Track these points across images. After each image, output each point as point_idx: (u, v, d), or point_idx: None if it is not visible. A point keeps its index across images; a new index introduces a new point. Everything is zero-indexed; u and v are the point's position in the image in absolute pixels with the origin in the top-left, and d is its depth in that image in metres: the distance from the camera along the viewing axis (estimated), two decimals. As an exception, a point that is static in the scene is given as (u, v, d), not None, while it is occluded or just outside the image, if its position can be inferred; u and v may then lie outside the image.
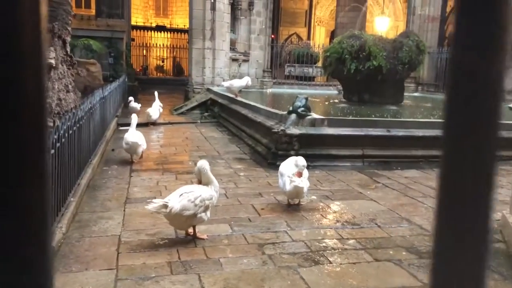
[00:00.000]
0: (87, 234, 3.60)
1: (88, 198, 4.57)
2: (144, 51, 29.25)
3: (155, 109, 10.38)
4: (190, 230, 3.57)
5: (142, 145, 6.35)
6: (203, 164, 3.60)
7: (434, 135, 6.78)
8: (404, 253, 3.42)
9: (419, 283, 2.91)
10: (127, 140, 6.18)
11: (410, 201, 4.85)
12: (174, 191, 3.54)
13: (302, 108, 6.41)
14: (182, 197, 3.41)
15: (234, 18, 15.26)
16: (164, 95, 11.97)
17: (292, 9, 28.08)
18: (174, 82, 23.12)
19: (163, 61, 30.25)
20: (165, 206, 3.33)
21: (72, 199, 4.13)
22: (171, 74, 29.36)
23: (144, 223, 3.85)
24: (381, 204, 4.69)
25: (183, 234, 3.60)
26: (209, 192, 3.53)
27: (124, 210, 4.24)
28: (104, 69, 15.77)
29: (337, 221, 4.13)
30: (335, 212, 4.41)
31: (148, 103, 11.27)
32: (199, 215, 3.44)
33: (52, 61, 5.75)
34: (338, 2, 23.96)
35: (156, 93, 11.06)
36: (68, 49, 6.31)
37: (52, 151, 3.27)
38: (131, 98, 11.41)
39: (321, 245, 3.53)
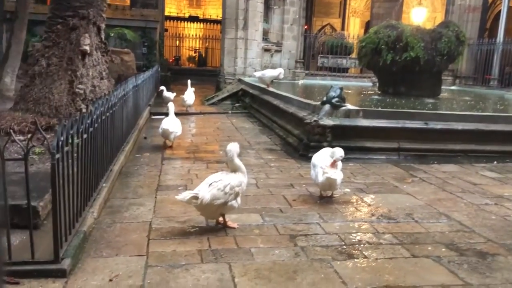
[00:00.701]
0: (118, 220, 3.59)
1: (120, 185, 4.58)
2: (177, 41, 29.44)
3: (190, 95, 10.57)
4: (221, 218, 3.51)
5: (176, 131, 6.55)
6: (231, 148, 3.50)
7: (474, 129, 6.52)
8: (443, 249, 3.26)
9: (460, 282, 2.75)
10: (162, 126, 6.47)
11: (449, 196, 4.64)
12: (203, 181, 3.49)
13: (337, 99, 6.25)
14: (212, 186, 3.35)
15: (267, 8, 15.11)
16: (196, 85, 11.97)
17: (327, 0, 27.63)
18: (206, 73, 23.18)
19: (195, 52, 30.36)
20: (195, 197, 3.29)
21: (104, 184, 4.14)
22: (203, 65, 29.45)
23: (175, 211, 3.82)
24: (418, 198, 4.51)
25: (214, 223, 3.55)
26: (237, 179, 3.45)
27: (155, 197, 4.23)
28: (137, 58, 15.94)
29: (372, 214, 3.99)
30: (369, 205, 4.26)
31: (181, 93, 11.34)
32: (229, 203, 3.39)
33: (87, 48, 5.79)
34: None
35: (189, 81, 11.19)
36: (103, 36, 6.34)
37: (85, 135, 3.26)
38: (162, 87, 11.46)
39: (356, 238, 3.40)
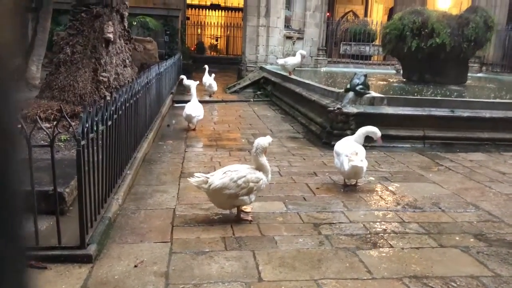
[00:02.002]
0: (143, 207, 3.62)
1: (144, 172, 4.61)
2: (199, 29, 29.44)
3: (212, 81, 10.66)
4: (235, 210, 3.43)
5: (199, 115, 6.99)
6: (258, 142, 3.38)
7: (503, 117, 6.34)
8: (471, 239, 3.18)
9: (490, 273, 2.68)
10: (185, 111, 6.92)
11: (476, 185, 4.53)
12: (220, 169, 3.46)
13: (361, 86, 6.14)
14: (225, 174, 3.28)
15: (289, -5, 14.92)
16: (218, 74, 11.96)
17: (349, -14, 27.16)
18: (228, 61, 23.17)
19: (217, 40, 30.35)
20: (205, 181, 3.25)
21: (128, 171, 4.17)
22: (225, 53, 29.44)
23: (199, 198, 3.82)
24: (445, 187, 4.42)
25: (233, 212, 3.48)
26: (255, 175, 3.31)
27: (178, 184, 4.24)
28: (159, 47, 15.97)
29: (398, 203, 3.93)
30: (394, 194, 4.19)
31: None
32: (241, 197, 3.26)
33: (111, 36, 5.81)
34: (398, -23, 22.88)
35: (206, 66, 11.34)
36: (126, 24, 6.36)
37: (110, 122, 3.28)
38: (183, 76, 11.50)
39: (381, 227, 3.35)
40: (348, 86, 6.27)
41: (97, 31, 5.79)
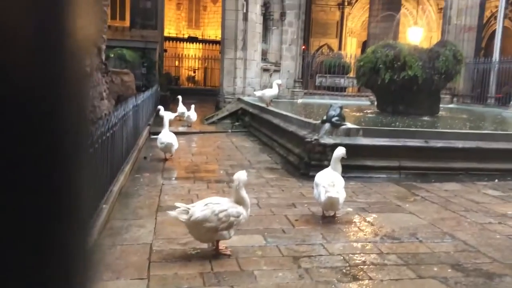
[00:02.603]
0: (119, 242, 3.54)
1: (120, 205, 4.53)
2: (176, 61, 29.66)
3: (191, 112, 10.74)
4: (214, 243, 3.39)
5: (175, 145, 6.96)
6: (238, 177, 3.38)
7: (475, 147, 6.51)
8: (449, 270, 3.20)
9: (469, 304, 2.70)
10: (161, 140, 6.89)
11: (452, 215, 4.60)
12: (200, 200, 3.43)
13: (337, 118, 6.24)
14: (207, 207, 3.25)
15: (265, 28, 15.25)
16: (195, 105, 12.02)
17: (324, 20, 27.95)
18: (205, 92, 23.30)
19: (194, 72, 30.59)
20: (186, 212, 3.21)
21: (104, 205, 4.08)
22: (203, 85, 29.65)
23: (176, 232, 3.76)
24: (421, 218, 4.47)
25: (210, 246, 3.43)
26: (237, 209, 3.28)
27: (155, 218, 4.18)
28: (137, 78, 15.95)
29: (376, 234, 3.94)
30: (372, 225, 4.21)
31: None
32: (220, 232, 3.21)
33: (87, 69, 5.78)
34: (370, 12, 23.70)
35: (179, 97, 11.56)
36: (103, 57, 6.35)
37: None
38: (160, 107, 11.52)
39: (360, 259, 3.35)
40: (325, 117, 6.36)
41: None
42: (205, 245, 3.47)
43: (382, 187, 5.67)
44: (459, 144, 6.50)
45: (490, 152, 6.52)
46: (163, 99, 16.45)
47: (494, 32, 17.33)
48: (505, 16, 18.21)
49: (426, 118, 9.95)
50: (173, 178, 6.03)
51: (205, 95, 21.51)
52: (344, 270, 3.13)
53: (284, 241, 3.67)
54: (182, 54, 29.60)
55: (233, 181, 3.40)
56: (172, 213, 3.22)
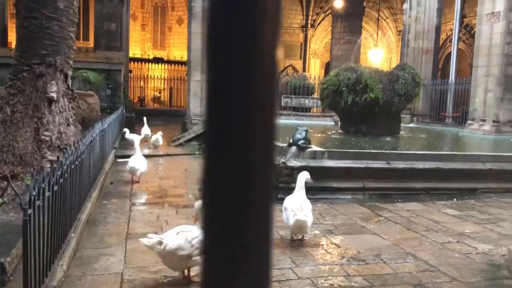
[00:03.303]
0: (89, 272, 3.52)
1: (89, 234, 4.49)
2: (141, 82, 29.53)
3: (158, 136, 10.84)
4: (186, 271, 3.43)
5: (142, 168, 7.20)
6: (197, 204, 3.50)
7: (434, 167, 6.81)
8: (412, 290, 3.36)
9: (430, 323, 2.84)
10: (129, 164, 7.22)
11: (414, 235, 4.80)
12: (172, 228, 3.48)
13: (302, 141, 6.42)
14: (179, 235, 3.31)
15: (231, 51, 15.45)
16: (162, 126, 12.03)
17: (288, 42, 28.55)
18: (171, 113, 23.25)
19: (160, 93, 30.52)
20: (160, 242, 3.26)
21: (73, 235, 4.06)
22: (168, 105, 29.59)
23: (146, 260, 3.78)
24: (385, 238, 4.64)
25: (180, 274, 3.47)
26: None
27: (125, 246, 4.17)
28: (101, 100, 15.81)
29: (342, 257, 4.08)
30: (339, 247, 4.35)
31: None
32: (194, 258, 3.27)
33: (54, 95, 5.76)
34: (332, 35, 24.45)
35: (145, 118, 11.57)
36: (70, 83, 6.34)
37: (56, 187, 3.23)
38: (125, 129, 11.48)
39: (328, 282, 3.46)
40: (291, 141, 6.53)
41: (40, 90, 5.73)
42: (176, 273, 3.50)
43: (347, 208, 5.84)
44: (419, 165, 6.79)
45: (449, 172, 6.83)
46: (129, 121, 16.32)
47: (449, 54, 18.21)
48: (459, 39, 19.16)
49: (388, 138, 10.33)
50: (141, 204, 6.02)
51: (171, 115, 21.50)
52: (313, 294, 3.23)
53: (254, 266, 3.74)
54: (147, 75, 29.51)
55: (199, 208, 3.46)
56: (146, 243, 3.25)
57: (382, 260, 4.00)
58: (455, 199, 6.48)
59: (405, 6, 17.58)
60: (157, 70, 30.47)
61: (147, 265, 3.69)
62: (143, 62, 29.88)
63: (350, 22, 22.85)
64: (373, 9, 27.98)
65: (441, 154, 7.46)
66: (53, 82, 5.76)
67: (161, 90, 30.86)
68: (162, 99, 30.94)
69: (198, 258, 3.28)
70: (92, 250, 4.05)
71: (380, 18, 26.70)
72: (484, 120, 13.06)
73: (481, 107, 13.29)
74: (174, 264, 3.35)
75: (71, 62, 6.29)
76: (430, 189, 6.68)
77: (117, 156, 9.83)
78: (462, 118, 15.75)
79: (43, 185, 2.86)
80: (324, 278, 3.54)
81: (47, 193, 2.98)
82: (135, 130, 12.69)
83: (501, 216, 5.67)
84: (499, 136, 12.02)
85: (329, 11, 28.06)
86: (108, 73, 18.28)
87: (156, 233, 4.54)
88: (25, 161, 5.53)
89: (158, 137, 11.27)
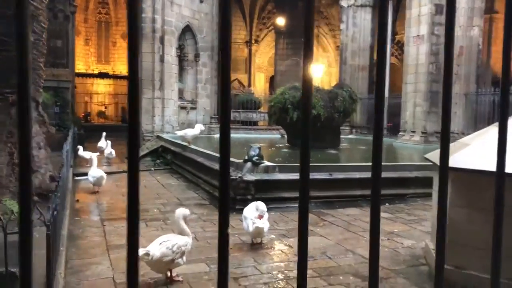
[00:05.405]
0: (84, 278, 4.12)
1: (73, 247, 5.04)
2: (86, 97, 29.33)
3: (111, 149, 11.41)
4: (169, 273, 4.14)
5: (104, 177, 8.25)
6: (177, 213, 4.24)
7: (369, 177, 7.84)
8: (351, 278, 4.24)
9: (365, 300, 3.72)
10: (93, 175, 8.13)
11: (353, 235, 5.74)
12: (153, 241, 4.15)
13: (256, 157, 7.25)
14: (161, 245, 4.01)
15: (181, 69, 16.14)
16: (113, 142, 12.36)
17: (233, 56, 29.48)
18: (119, 128, 23.35)
19: (105, 108, 30.42)
20: (147, 254, 3.94)
21: (61, 248, 4.61)
22: (113, 120, 29.53)
23: (131, 266, 4.40)
24: (329, 239, 5.54)
25: (163, 276, 4.16)
26: (184, 240, 4.10)
27: (108, 256, 4.77)
28: (50, 118, 15.87)
29: (295, 255, 4.89)
30: (292, 248, 5.19)
31: (97, 150, 11.75)
32: (176, 260, 3.98)
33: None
34: (276, 51, 25.69)
35: (104, 133, 12.08)
36: (40, 109, 6.80)
37: (58, 207, 3.82)
38: (79, 146, 11.80)
39: (286, 275, 4.28)
40: (246, 157, 7.34)
41: (13, 117, 6.17)
42: (160, 275, 4.18)
43: (297, 215, 6.60)
44: (357, 175, 7.81)
45: (382, 181, 7.85)
46: (79, 137, 16.46)
47: (383, 69, 19.78)
48: (391, 54, 20.87)
49: (330, 150, 11.41)
50: (112, 219, 6.55)
51: (118, 131, 21.64)
52: (275, 284, 4.03)
53: (223, 266, 4.49)
54: (92, 90, 29.37)
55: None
56: None
57: (327, 256, 4.87)
58: (387, 204, 7.54)
59: (342, 26, 19.03)
60: (102, 85, 30.40)
61: (133, 270, 4.33)
62: (88, 77, 29.73)
63: (293, 39, 24.16)
64: (313, 26, 29.51)
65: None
66: (26, 109, 6.20)
67: (106, 105, 30.76)
68: (107, 114, 30.84)
69: (179, 260, 4.00)
70: (80, 260, 4.63)
71: (319, 34, 28.31)
72: (414, 132, 14.55)
73: (411, 120, 14.80)
74: (160, 269, 4.04)
75: (41, 90, 6.75)
76: (366, 195, 7.70)
77: (74, 174, 10.18)
78: (395, 128, 17.30)
79: (53, 205, 3.48)
80: (281, 273, 4.35)
81: (55, 212, 3.59)
82: (85, 147, 12.92)
83: (424, 216, 6.76)
84: (427, 145, 13.47)
85: (271, 27, 29.38)
86: (56, 90, 18.27)
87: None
88: (1, 184, 5.96)
89: (111, 150, 11.78)
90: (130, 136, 0.80)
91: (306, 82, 0.95)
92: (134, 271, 0.81)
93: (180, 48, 15.86)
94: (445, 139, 1.11)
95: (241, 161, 7.50)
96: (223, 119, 0.89)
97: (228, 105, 0.90)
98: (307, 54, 0.94)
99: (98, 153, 11.75)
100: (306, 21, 0.92)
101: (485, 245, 3.59)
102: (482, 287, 3.61)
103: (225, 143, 0.87)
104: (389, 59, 18.78)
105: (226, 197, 0.90)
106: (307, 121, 0.98)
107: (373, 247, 1.08)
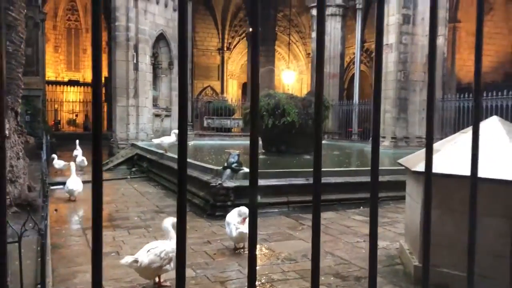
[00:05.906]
0: (72, 285, 4.19)
1: (57, 257, 5.08)
2: (56, 105, 28.84)
3: (83, 157, 11.43)
4: (157, 279, 4.25)
5: (79, 189, 8.44)
6: (165, 221, 4.35)
7: (344, 181, 8.14)
8: (332, 278, 4.46)
9: (346, 298, 3.94)
10: (67, 186, 8.44)
11: (331, 238, 5.97)
12: (142, 249, 4.26)
13: (236, 164, 7.41)
14: (149, 252, 4.13)
15: (155, 77, 16.15)
16: (85, 150, 12.25)
17: (206, 64, 29.63)
18: (89, 137, 23.04)
19: (76, 116, 29.99)
20: (136, 261, 4.05)
21: (48, 257, 4.65)
22: (83, 129, 29.15)
23: (118, 273, 4.49)
24: (309, 242, 5.70)
25: (152, 283, 4.28)
26: (171, 246, 4.17)
27: (94, 264, 4.83)
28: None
29: (277, 258, 5.10)
30: (274, 251, 5.37)
31: (72, 159, 11.66)
32: (164, 267, 4.09)
33: (6, 132, 6.20)
34: (249, 58, 25.93)
35: (77, 141, 12.01)
36: (19, 119, 6.78)
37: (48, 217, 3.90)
38: (54, 155, 11.71)
39: (269, 277, 4.45)
40: (226, 164, 7.49)
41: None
42: (148, 281, 4.29)
43: (276, 220, 6.91)
44: (332, 179, 8.08)
45: (356, 185, 8.19)
46: (51, 146, 16.24)
47: (353, 75, 20.38)
48: (360, 62, 21.45)
49: (304, 155, 11.68)
50: (93, 228, 6.60)
51: (88, 139, 21.38)
52: (259, 286, 4.20)
53: (209, 271, 4.64)
54: (62, 98, 28.92)
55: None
56: (125, 263, 4.01)
57: (308, 258, 5.07)
58: (361, 207, 7.83)
59: (313, 34, 19.43)
60: (72, 93, 29.97)
61: (120, 277, 4.42)
62: (58, 85, 29.26)
63: (265, 46, 24.49)
64: (284, 33, 30.02)
65: (349, 170, 8.87)
66: (5, 120, 6.19)
67: (77, 113, 30.34)
68: (77, 121, 30.41)
69: (168, 266, 4.12)
70: (66, 269, 4.68)
71: (290, 42, 28.76)
72: (384, 137, 15.00)
73: (381, 125, 15.22)
74: (149, 275, 4.15)
75: (20, 100, 6.73)
76: (342, 199, 7.98)
77: (49, 184, 10.09)
78: (366, 134, 17.79)
79: (43, 214, 3.56)
80: (265, 276, 4.53)
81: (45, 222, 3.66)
82: (58, 155, 12.74)
83: (397, 219, 7.06)
84: (397, 150, 13.94)
85: (243, 34, 29.65)
86: (27, 98, 17.94)
87: (118, 252, 5.28)
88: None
89: (83, 158, 11.79)
90: (94, 143, 0.96)
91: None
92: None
93: (154, 56, 15.89)
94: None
95: (220, 168, 7.65)
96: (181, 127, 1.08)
97: (185, 113, 1.05)
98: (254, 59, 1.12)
99: (73, 162, 11.71)
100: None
101: (455, 243, 3.88)
102: (453, 283, 3.89)
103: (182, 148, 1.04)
104: (358, 68, 19.29)
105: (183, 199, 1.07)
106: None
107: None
